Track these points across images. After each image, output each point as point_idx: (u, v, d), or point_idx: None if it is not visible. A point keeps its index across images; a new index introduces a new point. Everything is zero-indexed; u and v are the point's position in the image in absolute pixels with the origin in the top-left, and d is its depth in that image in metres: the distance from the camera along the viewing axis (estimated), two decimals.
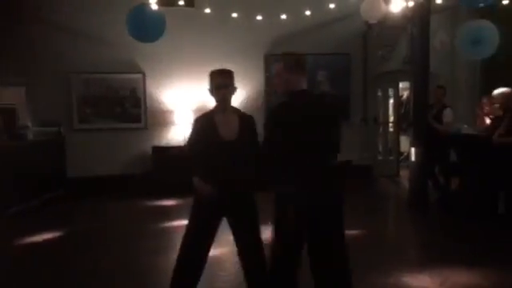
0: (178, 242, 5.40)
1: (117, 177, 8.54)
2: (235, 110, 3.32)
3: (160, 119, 8.88)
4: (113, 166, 8.67)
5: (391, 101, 10.46)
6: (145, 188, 8.24)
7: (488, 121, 6.46)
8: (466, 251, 4.96)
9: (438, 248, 5.15)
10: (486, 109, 6.57)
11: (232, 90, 3.26)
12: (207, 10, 7.84)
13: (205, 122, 3.24)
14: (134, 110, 8.87)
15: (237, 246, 3.32)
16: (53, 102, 8.44)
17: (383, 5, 6.85)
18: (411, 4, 6.69)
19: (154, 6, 5.85)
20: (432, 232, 5.87)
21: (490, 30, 5.70)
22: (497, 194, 5.95)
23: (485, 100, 6.60)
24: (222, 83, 3.20)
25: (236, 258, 4.82)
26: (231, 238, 4.57)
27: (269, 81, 9.21)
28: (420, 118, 6.83)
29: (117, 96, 8.78)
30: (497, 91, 6.06)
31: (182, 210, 6.98)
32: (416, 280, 4.11)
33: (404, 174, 9.22)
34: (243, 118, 3.29)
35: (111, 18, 8.00)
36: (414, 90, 7.01)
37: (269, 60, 9.16)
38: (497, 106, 6.05)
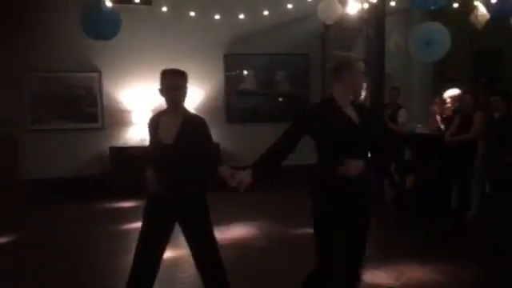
0: (133, 244, 5.34)
1: (73, 178, 8.30)
2: (185, 111, 3.22)
3: (118, 119, 8.69)
4: (69, 168, 8.42)
5: None
6: (102, 189, 8.05)
7: (439, 119, 6.68)
8: (421, 247, 5.12)
9: (393, 244, 5.29)
10: (435, 108, 6.78)
11: (184, 91, 3.18)
12: (164, 9, 7.74)
13: (152, 124, 3.24)
14: (91, 110, 8.64)
15: (190, 248, 3.28)
16: (4, 101, 8.11)
17: (339, 6, 6.97)
18: (366, 6, 6.84)
19: (109, 4, 5.71)
20: (388, 229, 6.02)
21: (441, 33, 5.88)
22: (449, 190, 6.17)
23: (437, 100, 6.83)
24: (173, 84, 3.11)
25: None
26: None
27: (228, 80, 9.20)
28: (376, 117, 6.98)
29: (72, 95, 8.53)
30: (448, 92, 6.28)
31: (141, 211, 6.83)
32: (372, 276, 4.20)
33: None
34: (190, 120, 3.19)
35: (66, 15, 7.77)
36: (370, 90, 7.17)
37: (228, 59, 9.15)
38: (448, 106, 6.28)
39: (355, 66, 2.87)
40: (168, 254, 4.93)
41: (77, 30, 6.27)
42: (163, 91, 3.14)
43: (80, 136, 8.58)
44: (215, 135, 10.59)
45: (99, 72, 8.59)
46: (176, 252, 4.98)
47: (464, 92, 6.26)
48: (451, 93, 6.27)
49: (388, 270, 4.31)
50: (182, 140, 3.10)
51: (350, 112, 2.89)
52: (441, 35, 5.76)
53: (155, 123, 3.20)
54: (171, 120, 3.14)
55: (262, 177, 2.94)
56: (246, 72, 9.31)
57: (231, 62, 9.19)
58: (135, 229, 6.02)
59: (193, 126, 3.18)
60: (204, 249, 3.21)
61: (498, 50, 7.07)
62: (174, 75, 3.13)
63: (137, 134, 8.64)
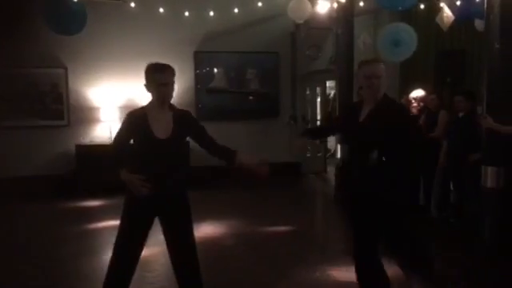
0: (102, 244, 5.26)
1: (37, 177, 8.07)
2: (171, 106, 3.18)
3: (84, 116, 8.50)
4: (32, 166, 8.19)
5: (319, 99, 10.76)
6: (68, 188, 7.87)
7: None
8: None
9: None
10: None
11: (173, 87, 3.13)
12: (133, 4, 7.63)
13: (138, 119, 3.06)
14: (56, 107, 8.43)
15: (168, 246, 3.22)
16: None
17: (309, 5, 7.02)
18: (336, 5, 6.91)
19: None
20: None
21: (408, 33, 6.01)
22: (418, 186, 6.28)
23: (403, 100, 6.96)
24: (163, 80, 3.01)
25: (164, 259, 4.76)
26: (160, 237, 4.46)
27: (198, 78, 9.14)
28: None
29: (36, 92, 8.30)
30: (413, 93, 6.42)
31: (107, 210, 6.77)
32: (340, 273, 4.25)
33: (331, 170, 9.53)
34: (180, 115, 3.17)
35: (30, 9, 7.56)
36: (339, 89, 7.26)
37: (198, 57, 9.08)
38: (414, 105, 6.40)
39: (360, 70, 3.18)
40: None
41: (42, 25, 6.12)
42: (151, 86, 3.04)
43: (45, 133, 8.36)
44: None
45: (65, 68, 8.38)
46: (144, 251, 4.91)
47: (429, 92, 6.40)
48: (417, 93, 6.40)
49: None
50: (177, 134, 3.09)
51: (364, 111, 3.12)
52: (408, 36, 5.88)
53: (143, 118, 3.05)
54: (161, 115, 3.07)
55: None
56: (216, 70, 9.27)
57: (201, 60, 9.14)
58: (102, 228, 5.95)
59: (184, 119, 3.17)
60: (184, 249, 3.16)
61: (462, 51, 7.26)
62: (165, 71, 3.03)
63: (104, 131, 8.48)
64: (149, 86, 3.05)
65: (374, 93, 3.07)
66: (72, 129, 8.47)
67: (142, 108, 3.13)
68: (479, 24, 5.96)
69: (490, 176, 4.65)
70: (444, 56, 7.43)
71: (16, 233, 5.91)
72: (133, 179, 2.98)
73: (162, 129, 3.04)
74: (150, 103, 3.12)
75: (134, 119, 3.07)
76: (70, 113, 8.46)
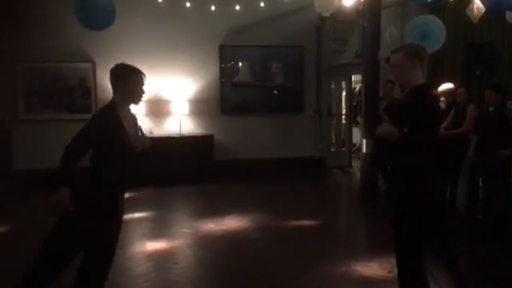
0: (127, 236, 5.34)
1: None
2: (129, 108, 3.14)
3: None
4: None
5: (344, 93, 10.67)
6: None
7: None
8: None
9: (386, 237, 5.29)
10: None
11: None
12: None
13: (114, 122, 2.91)
14: (84, 101, 8.60)
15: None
16: None
17: None
18: None
19: None
20: (381, 221, 6.03)
21: (437, 26, 5.88)
22: (446, 184, 6.17)
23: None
24: (142, 84, 3.02)
25: (188, 251, 4.84)
26: (183, 230, 4.59)
27: (223, 72, 9.17)
28: (371, 110, 7.00)
29: (65, 86, 8.49)
30: (442, 87, 6.30)
31: (132, 202, 6.87)
32: (365, 268, 4.23)
33: (356, 165, 9.46)
34: (134, 117, 3.17)
35: (58, 5, 7.71)
36: (365, 83, 7.18)
37: (223, 51, 9.11)
38: (442, 100, 6.29)
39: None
40: (161, 245, 4.96)
41: (71, 20, 6.21)
42: (129, 87, 2.96)
43: (73, 127, 8.20)
44: (210, 126, 10.64)
45: (93, 62, 8.54)
46: (169, 243, 4.99)
47: (458, 86, 6.28)
48: (445, 87, 6.28)
49: (381, 262, 4.33)
50: (139, 136, 3.10)
51: None
52: (436, 28, 5.76)
53: (118, 122, 2.92)
54: (129, 118, 3.06)
55: None
56: (241, 64, 9.28)
57: (226, 54, 9.16)
58: (127, 220, 6.04)
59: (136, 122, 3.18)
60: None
61: (492, 44, 7.08)
62: (143, 75, 3.04)
63: None
64: (125, 86, 2.95)
65: (397, 81, 3.08)
66: None
67: (111, 109, 2.95)
68: (510, 16, 5.80)
69: None
70: (473, 49, 7.25)
71: (43, 223, 6.03)
72: (67, 197, 2.77)
73: (133, 132, 3.03)
74: (117, 104, 2.97)
75: (111, 124, 2.90)
76: (97, 107, 8.61)
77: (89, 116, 3.13)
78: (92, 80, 8.56)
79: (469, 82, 7.07)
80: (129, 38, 8.40)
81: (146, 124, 8.64)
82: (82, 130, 2.92)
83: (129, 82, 2.98)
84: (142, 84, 3.02)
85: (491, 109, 5.54)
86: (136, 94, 3.01)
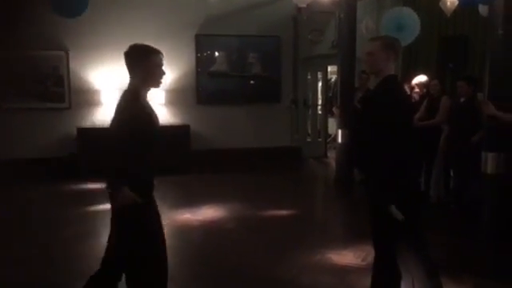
0: (103, 226, 5.28)
1: (38, 160, 8.09)
2: None
3: (85, 99, 8.49)
4: (34, 149, 8.20)
5: (320, 84, 10.73)
6: (69, 171, 7.90)
7: None
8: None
9: (361, 225, 5.38)
10: None
11: None
12: None
13: (150, 113, 2.78)
14: (57, 89, 8.40)
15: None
16: None
17: None
18: None
19: None
20: (356, 210, 6.12)
21: (411, 18, 5.96)
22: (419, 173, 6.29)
23: (405, 86, 6.94)
24: (162, 62, 2.80)
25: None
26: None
27: (200, 61, 9.10)
28: (346, 101, 7.06)
29: (37, 74, 8.28)
30: (416, 79, 6.40)
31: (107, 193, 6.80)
32: (340, 256, 4.30)
33: (331, 155, 9.56)
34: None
35: None
36: (340, 73, 7.23)
37: (200, 40, 9.04)
38: (416, 91, 6.39)
39: None
40: None
41: (43, 7, 6.08)
42: (147, 69, 2.74)
43: (46, 116, 8.36)
44: (185, 117, 10.56)
45: (66, 50, 8.35)
46: None
47: (431, 78, 6.39)
48: (419, 79, 6.38)
49: (355, 250, 4.41)
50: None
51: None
52: (411, 20, 5.84)
53: (147, 109, 2.77)
54: (150, 104, 2.86)
55: None
56: (217, 53, 9.23)
57: (202, 43, 9.09)
58: (103, 210, 5.97)
59: None
60: None
61: (465, 37, 7.22)
62: (162, 54, 2.83)
63: (105, 114, 8.49)
64: (146, 68, 2.74)
65: (369, 69, 3.11)
66: (73, 111, 8.47)
67: (137, 96, 2.75)
68: (483, 10, 5.92)
69: (490, 162, 4.66)
70: (447, 41, 7.39)
71: (16, 215, 5.95)
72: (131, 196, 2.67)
73: (157, 117, 2.85)
74: (140, 90, 2.77)
75: (147, 115, 2.76)
76: (71, 95, 8.45)
77: (61, 105, 3.03)
78: (65, 68, 8.37)
79: (442, 74, 7.21)
80: (103, 27, 8.24)
81: None
82: (119, 125, 2.68)
83: (150, 63, 2.75)
84: (162, 64, 2.81)
85: (462, 100, 5.66)
86: (158, 76, 2.79)
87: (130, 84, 2.79)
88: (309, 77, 10.27)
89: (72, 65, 8.37)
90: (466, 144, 5.41)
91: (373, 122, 2.92)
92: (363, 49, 3.11)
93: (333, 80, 11.10)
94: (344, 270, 4.00)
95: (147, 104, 2.82)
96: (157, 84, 2.82)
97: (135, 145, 2.67)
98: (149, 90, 2.84)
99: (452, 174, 6.03)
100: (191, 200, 6.42)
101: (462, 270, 3.96)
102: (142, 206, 2.74)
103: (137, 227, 2.77)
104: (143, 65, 2.74)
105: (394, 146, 2.85)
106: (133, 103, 2.72)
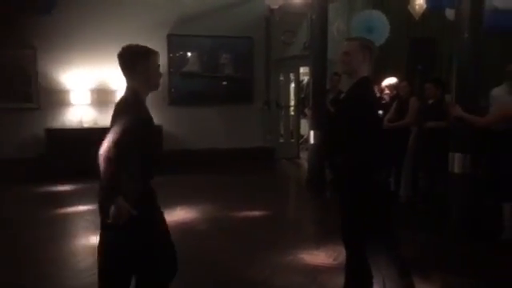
0: (73, 229, 5.21)
1: (5, 161, 7.86)
2: None
3: (55, 99, 8.31)
4: (1, 149, 7.96)
5: (292, 85, 10.80)
6: (37, 173, 7.70)
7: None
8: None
9: (332, 225, 5.43)
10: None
11: None
12: None
13: (147, 118, 2.67)
14: (25, 89, 8.20)
15: None
16: None
17: None
18: None
19: None
20: (328, 210, 6.18)
21: (381, 21, 6.08)
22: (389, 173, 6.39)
23: (375, 88, 7.05)
24: (159, 65, 2.77)
25: None
26: None
27: (172, 62, 9.03)
28: (319, 102, 7.13)
29: (4, 73, 8.05)
30: (386, 81, 6.51)
31: (77, 195, 6.70)
32: (312, 256, 4.33)
33: (304, 156, 9.62)
34: None
35: None
36: (313, 75, 7.29)
37: (172, 40, 8.96)
38: (387, 93, 6.50)
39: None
40: None
41: (10, 4, 5.92)
42: (147, 70, 2.66)
43: (14, 116, 8.13)
44: (158, 117, 10.38)
45: (34, 49, 8.14)
46: None
47: (401, 80, 6.51)
48: (389, 81, 6.50)
49: (327, 249, 4.45)
50: None
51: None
52: (381, 23, 5.95)
53: (148, 114, 2.67)
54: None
55: None
56: (189, 54, 9.17)
57: (175, 43, 9.02)
58: (72, 213, 5.87)
59: None
60: None
61: (433, 39, 7.39)
62: (159, 54, 2.79)
63: (75, 115, 8.33)
64: (146, 69, 2.65)
65: (344, 69, 3.13)
66: (42, 112, 8.27)
67: (137, 97, 2.65)
68: (450, 13, 6.07)
69: (457, 162, 4.79)
70: (416, 44, 7.56)
71: None
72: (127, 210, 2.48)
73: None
74: (140, 91, 2.66)
75: (150, 121, 2.69)
76: (39, 95, 8.25)
77: (29, 105, 2.95)
78: (33, 67, 8.17)
79: (411, 76, 7.35)
80: (72, 26, 8.07)
81: (91, 114, 8.39)
82: (124, 130, 2.46)
83: (150, 64, 2.67)
84: (159, 66, 2.74)
85: (431, 101, 5.79)
86: (157, 78, 2.72)
87: (129, 87, 2.66)
88: (281, 78, 10.32)
89: (40, 64, 8.18)
90: (434, 145, 5.53)
91: (345, 123, 2.96)
92: (340, 48, 3.13)
93: (305, 81, 11.19)
94: (316, 270, 4.03)
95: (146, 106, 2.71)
96: (157, 86, 2.74)
97: (138, 151, 2.53)
98: (148, 92, 2.73)
99: (420, 174, 6.15)
100: (163, 201, 6.26)
101: (432, 267, 4.04)
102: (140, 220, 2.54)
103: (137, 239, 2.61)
104: (144, 66, 2.64)
105: (364, 147, 2.90)
106: (138, 106, 2.61)
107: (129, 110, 2.56)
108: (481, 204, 5.10)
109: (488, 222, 5.02)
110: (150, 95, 2.79)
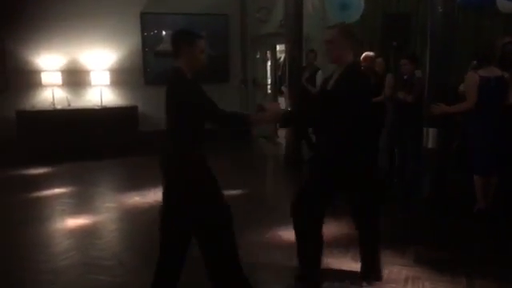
0: (47, 212, 5.13)
1: None
2: None
3: (24, 80, 8.08)
4: None
5: (269, 63, 10.72)
6: (8, 156, 7.53)
7: None
8: (335, 203, 5.36)
9: None
10: None
11: None
12: None
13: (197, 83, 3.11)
14: None
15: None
16: None
17: None
18: None
19: None
20: None
21: None
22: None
23: None
24: (204, 50, 3.05)
25: (113, 225, 4.72)
26: (107, 205, 4.38)
27: (146, 40, 8.85)
28: (295, 80, 7.11)
29: None
30: (362, 55, 6.50)
31: (50, 178, 6.59)
32: (288, 233, 4.34)
33: (281, 134, 9.63)
34: None
35: None
36: (288, 53, 7.25)
37: (145, 18, 8.77)
38: (364, 64, 6.50)
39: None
40: (83, 221, 4.80)
41: None
42: (193, 53, 2.99)
43: None
44: (133, 97, 10.29)
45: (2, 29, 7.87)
46: (92, 219, 4.84)
47: (376, 56, 6.52)
48: (365, 56, 6.49)
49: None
50: None
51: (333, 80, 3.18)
52: None
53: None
54: None
55: None
56: (164, 32, 9.00)
57: (148, 22, 8.84)
58: (46, 196, 5.77)
59: None
60: None
61: (408, 14, 7.39)
62: (204, 38, 3.08)
63: (46, 96, 8.13)
64: (191, 51, 2.97)
65: (329, 58, 3.13)
66: (12, 94, 8.05)
67: (186, 76, 3.03)
68: None
69: (430, 137, 4.85)
70: (391, 19, 7.52)
71: None
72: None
73: None
74: (188, 72, 3.03)
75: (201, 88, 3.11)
76: (8, 77, 8.01)
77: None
78: (1, 48, 7.90)
79: (386, 52, 7.36)
80: (42, 5, 7.81)
81: (63, 95, 8.20)
82: (198, 96, 3.07)
83: (195, 47, 2.96)
84: (204, 50, 3.01)
85: (405, 77, 5.82)
86: (201, 60, 3.03)
87: (176, 66, 3.00)
88: (258, 56, 10.23)
89: (9, 45, 7.92)
90: (409, 120, 5.59)
91: (336, 113, 2.98)
92: (322, 37, 3.15)
93: (282, 59, 11.13)
94: (293, 247, 4.06)
95: None
96: (200, 68, 3.07)
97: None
98: (192, 72, 3.03)
99: (396, 149, 6.22)
100: (140, 182, 6.29)
101: (406, 242, 4.12)
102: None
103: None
104: (190, 48, 2.95)
105: (346, 125, 2.95)
106: (187, 80, 3.01)
107: (180, 84, 3.04)
108: (453, 178, 5.21)
109: (460, 195, 5.14)
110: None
